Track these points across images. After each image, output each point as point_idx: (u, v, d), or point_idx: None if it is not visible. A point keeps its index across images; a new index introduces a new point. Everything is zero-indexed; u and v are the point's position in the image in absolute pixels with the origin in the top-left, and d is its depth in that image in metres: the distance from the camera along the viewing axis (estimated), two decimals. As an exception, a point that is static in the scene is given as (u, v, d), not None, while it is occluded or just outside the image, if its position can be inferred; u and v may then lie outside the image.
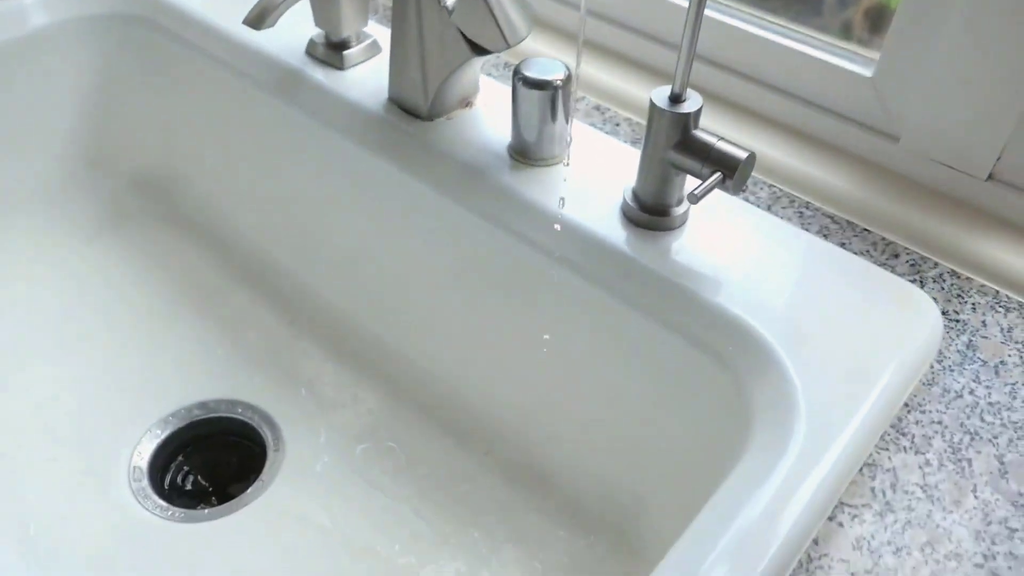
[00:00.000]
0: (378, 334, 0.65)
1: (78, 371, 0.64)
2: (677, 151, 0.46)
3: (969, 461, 0.41)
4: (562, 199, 0.51)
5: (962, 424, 0.43)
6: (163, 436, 0.61)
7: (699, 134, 0.46)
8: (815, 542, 0.38)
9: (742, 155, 0.45)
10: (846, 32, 0.57)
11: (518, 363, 0.57)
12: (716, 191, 0.52)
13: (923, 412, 0.43)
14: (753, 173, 0.57)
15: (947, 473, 0.40)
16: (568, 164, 0.52)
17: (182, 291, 0.70)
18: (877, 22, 0.56)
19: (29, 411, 0.62)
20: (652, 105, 0.46)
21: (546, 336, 0.55)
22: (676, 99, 0.46)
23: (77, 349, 0.66)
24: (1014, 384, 0.45)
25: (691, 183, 0.49)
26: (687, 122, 0.46)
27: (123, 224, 0.75)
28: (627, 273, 0.48)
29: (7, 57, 0.68)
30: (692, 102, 0.46)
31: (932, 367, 0.45)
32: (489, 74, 0.64)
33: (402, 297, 0.63)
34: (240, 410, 0.63)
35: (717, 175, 0.45)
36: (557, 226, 0.50)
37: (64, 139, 0.73)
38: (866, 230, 0.53)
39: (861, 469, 0.41)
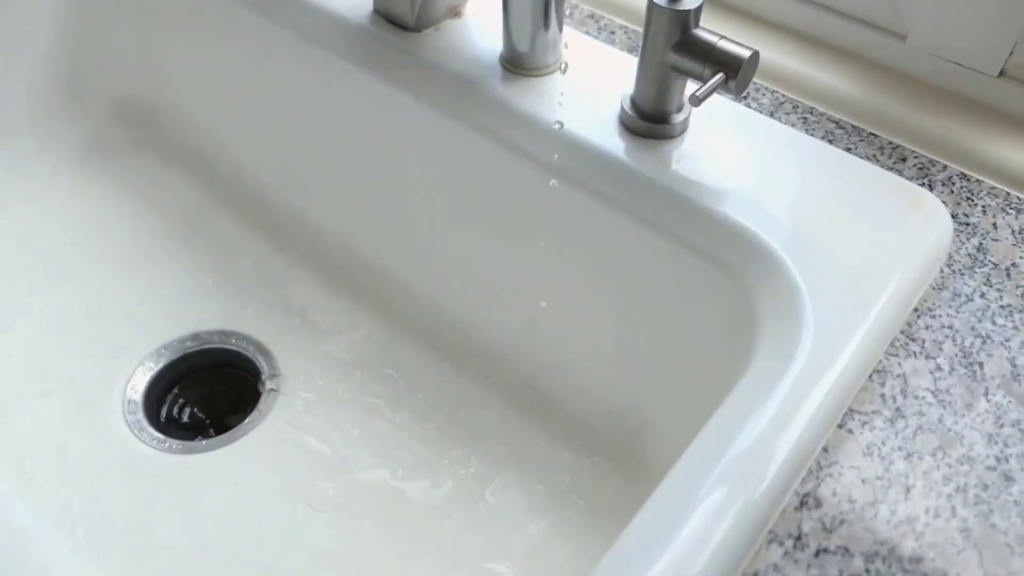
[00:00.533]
0: (373, 257, 0.64)
1: (67, 304, 0.63)
2: (677, 52, 0.44)
3: (980, 365, 0.40)
4: (559, 123, 0.48)
5: (973, 328, 0.42)
6: (156, 369, 0.60)
7: (699, 33, 0.44)
8: (824, 450, 0.37)
9: (745, 54, 0.43)
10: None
11: (517, 282, 0.56)
12: (717, 95, 0.50)
13: (933, 316, 0.42)
14: (755, 78, 0.55)
15: (958, 377, 0.39)
16: (565, 71, 0.50)
17: (170, 220, 0.68)
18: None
19: (19, 345, 0.60)
20: (650, 3, 0.44)
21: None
22: (675, -4, 0.44)
23: (65, 282, 0.64)
24: (1026, 286, 0.43)
25: (691, 89, 0.47)
26: (687, 20, 0.44)
27: (107, 152, 0.72)
28: (627, 184, 0.47)
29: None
30: (692, -1, 0.44)
31: (942, 271, 0.44)
32: (477, -16, 0.61)
33: (396, 218, 0.61)
34: (234, 340, 0.61)
35: (719, 76, 0.43)
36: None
37: (43, 65, 0.71)
38: (872, 134, 0.51)
39: (871, 375, 0.40)
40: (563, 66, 0.51)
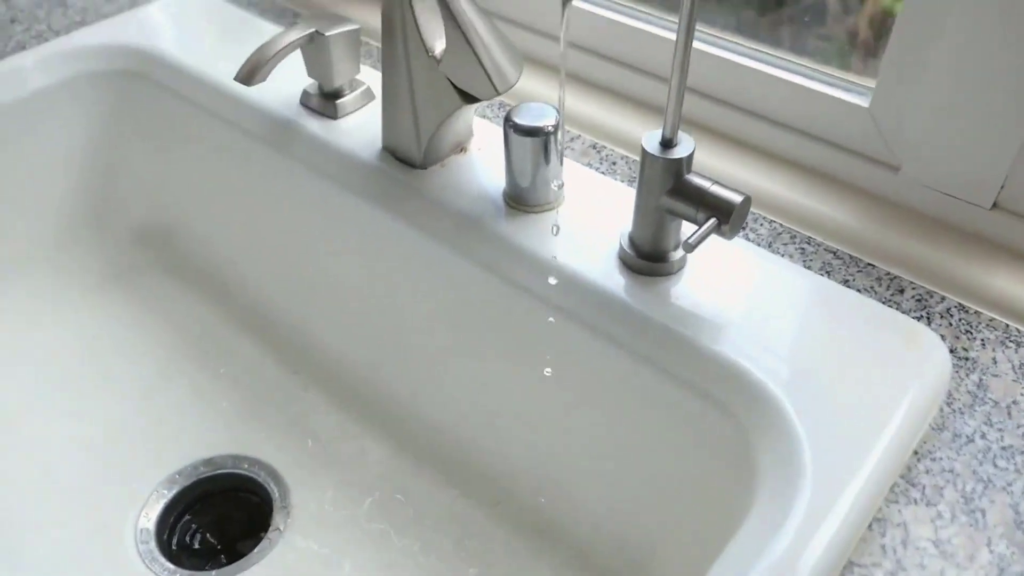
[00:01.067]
0: (383, 383, 0.65)
1: (84, 430, 0.64)
2: (671, 197, 0.46)
3: (983, 512, 0.40)
4: (554, 256, 0.50)
5: (974, 471, 0.41)
6: (170, 496, 0.61)
7: (692, 179, 0.46)
8: (825, 603, 0.37)
9: (737, 199, 0.44)
10: (850, 45, 0.56)
11: (523, 412, 0.57)
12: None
13: (933, 460, 0.42)
14: (753, 209, 0.56)
15: (960, 526, 0.39)
16: (558, 228, 0.51)
17: (186, 343, 0.70)
18: (878, 40, 0.55)
19: (35, 471, 0.62)
20: (643, 151, 0.45)
21: (547, 371, 0.54)
22: (667, 144, 0.45)
23: (83, 407, 0.66)
24: (1028, 425, 0.43)
25: (688, 227, 0.48)
26: (679, 168, 0.45)
27: (126, 277, 0.75)
28: (626, 321, 0.48)
29: (9, 118, 0.68)
30: (684, 146, 0.45)
31: (942, 410, 0.44)
32: (484, 115, 0.64)
33: (405, 345, 0.63)
34: (246, 465, 0.62)
35: (712, 221, 0.44)
36: (552, 279, 0.49)
37: (66, 194, 0.74)
38: (870, 264, 0.52)
39: (870, 525, 0.39)
40: (556, 217, 0.53)
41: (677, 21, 0.40)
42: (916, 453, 0.42)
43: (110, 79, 0.71)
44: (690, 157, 0.45)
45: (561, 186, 0.53)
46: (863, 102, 0.53)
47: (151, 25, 0.72)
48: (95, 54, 0.70)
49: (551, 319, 0.50)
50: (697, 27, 0.59)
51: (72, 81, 0.70)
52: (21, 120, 0.69)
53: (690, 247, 0.43)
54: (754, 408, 0.43)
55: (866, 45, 0.56)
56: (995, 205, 0.51)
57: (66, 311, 0.72)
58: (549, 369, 0.53)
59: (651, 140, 0.45)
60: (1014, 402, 0.44)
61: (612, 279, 0.49)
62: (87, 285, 0.74)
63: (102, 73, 0.70)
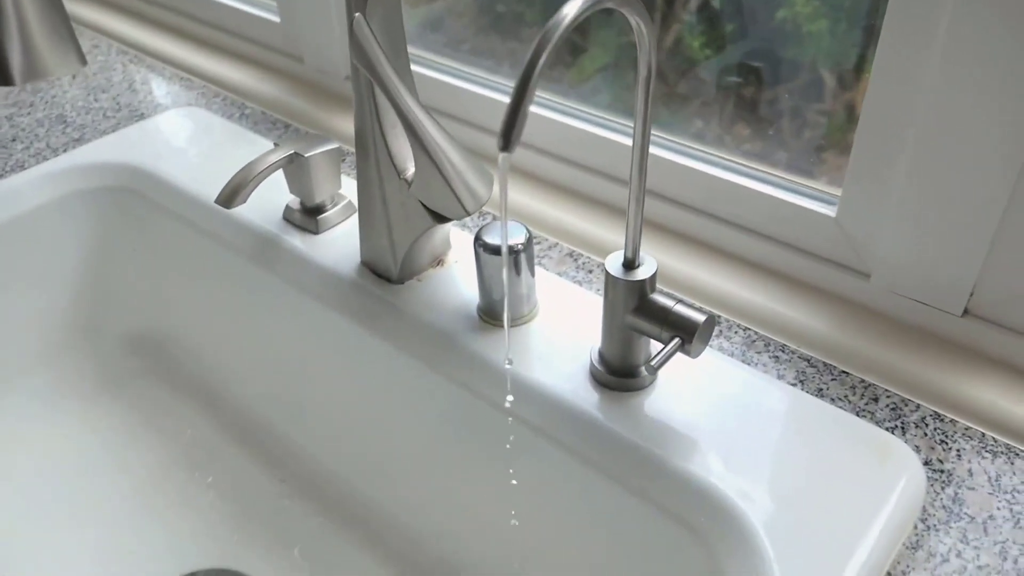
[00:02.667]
0: (365, 494, 0.65)
1: (72, 539, 0.64)
2: (635, 316, 0.46)
3: (958, 638, 0.39)
4: (509, 360, 0.50)
5: (949, 594, 0.41)
6: (152, 613, 0.60)
7: (656, 298, 0.46)
8: None
9: (700, 319, 0.45)
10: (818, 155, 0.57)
11: (497, 525, 0.56)
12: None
13: (907, 582, 0.41)
14: (727, 316, 0.56)
15: (934, 655, 0.38)
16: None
17: (173, 452, 0.71)
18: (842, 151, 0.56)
19: (21, 591, 0.62)
20: (607, 273, 0.46)
21: (514, 482, 0.54)
22: (630, 265, 0.46)
23: (72, 516, 0.66)
24: (1004, 542, 0.43)
25: (657, 344, 0.49)
26: (642, 288, 0.46)
27: (118, 385, 0.76)
28: (594, 438, 0.48)
29: (6, 236, 0.70)
30: (646, 267, 0.46)
31: (916, 527, 0.44)
32: (465, 225, 0.65)
33: (386, 457, 0.63)
34: (229, 580, 0.62)
35: (676, 341, 0.45)
36: (509, 399, 0.49)
37: (60, 305, 0.75)
38: (844, 372, 0.52)
39: (842, 654, 0.39)
40: (531, 319, 0.53)
41: (630, 153, 0.42)
42: (890, 574, 0.42)
43: (103, 195, 0.73)
44: (653, 277, 0.46)
45: (530, 307, 0.54)
46: (831, 211, 0.54)
47: (146, 141, 0.75)
48: (89, 172, 0.73)
49: (509, 419, 0.50)
50: (667, 136, 0.61)
51: (67, 198, 0.72)
52: (18, 237, 0.71)
53: (652, 369, 0.44)
54: (724, 529, 0.43)
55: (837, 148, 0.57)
56: (966, 312, 0.51)
57: (59, 419, 0.73)
58: (515, 481, 0.53)
59: (614, 262, 0.46)
60: (990, 517, 0.44)
61: (582, 394, 0.49)
62: (80, 393, 0.75)
63: (96, 190, 0.73)
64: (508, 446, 0.50)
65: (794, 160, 0.57)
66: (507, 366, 0.50)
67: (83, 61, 0.35)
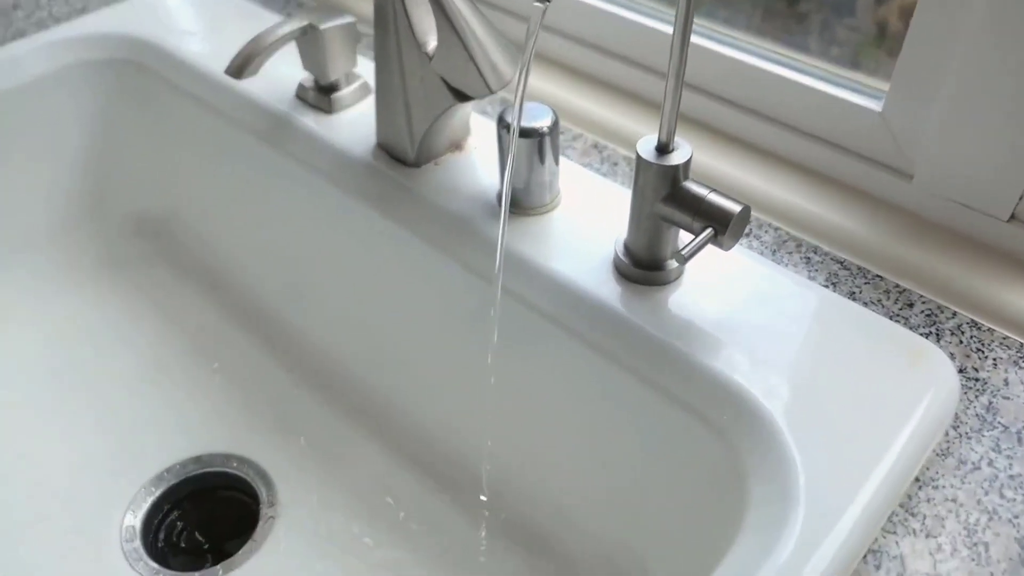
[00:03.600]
0: (374, 385, 0.64)
1: (73, 422, 0.64)
2: (666, 204, 0.44)
3: (986, 545, 0.38)
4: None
5: (979, 501, 0.39)
6: (157, 493, 0.60)
7: (689, 186, 0.43)
8: (813, 639, 0.35)
9: (735, 209, 0.42)
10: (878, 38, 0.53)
11: (514, 420, 0.55)
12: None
13: (935, 488, 0.40)
14: (758, 214, 0.54)
15: (960, 560, 0.37)
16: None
17: (179, 336, 0.69)
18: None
19: (22, 464, 0.61)
20: (638, 157, 0.43)
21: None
22: (663, 149, 0.43)
23: (73, 399, 0.65)
24: (1038, 453, 0.41)
25: (686, 235, 0.46)
26: (675, 174, 0.43)
27: (122, 266, 0.74)
28: (619, 333, 0.46)
29: (5, 106, 0.67)
30: (681, 152, 0.43)
31: (947, 434, 0.42)
32: (484, 111, 0.62)
33: (397, 347, 0.61)
34: (235, 464, 0.61)
35: (708, 231, 0.42)
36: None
37: (62, 182, 0.73)
38: (878, 276, 0.50)
39: (865, 556, 0.37)
40: (554, 208, 0.51)
41: (669, 37, 0.38)
42: (918, 480, 0.40)
43: (107, 67, 0.70)
44: (687, 164, 0.43)
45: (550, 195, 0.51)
46: (876, 106, 0.51)
47: (153, 13, 0.71)
48: (93, 42, 0.69)
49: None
50: (706, 24, 0.57)
51: (69, 69, 0.69)
52: (17, 108, 0.68)
53: (682, 259, 0.42)
54: (747, 429, 0.41)
55: (895, 37, 0.53)
56: (1013, 217, 0.48)
57: (61, 300, 0.71)
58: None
59: (646, 145, 0.43)
60: (1025, 427, 0.42)
61: (605, 287, 0.47)
62: (82, 274, 0.73)
63: (99, 61, 0.69)
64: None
65: (843, 55, 0.54)
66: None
67: None
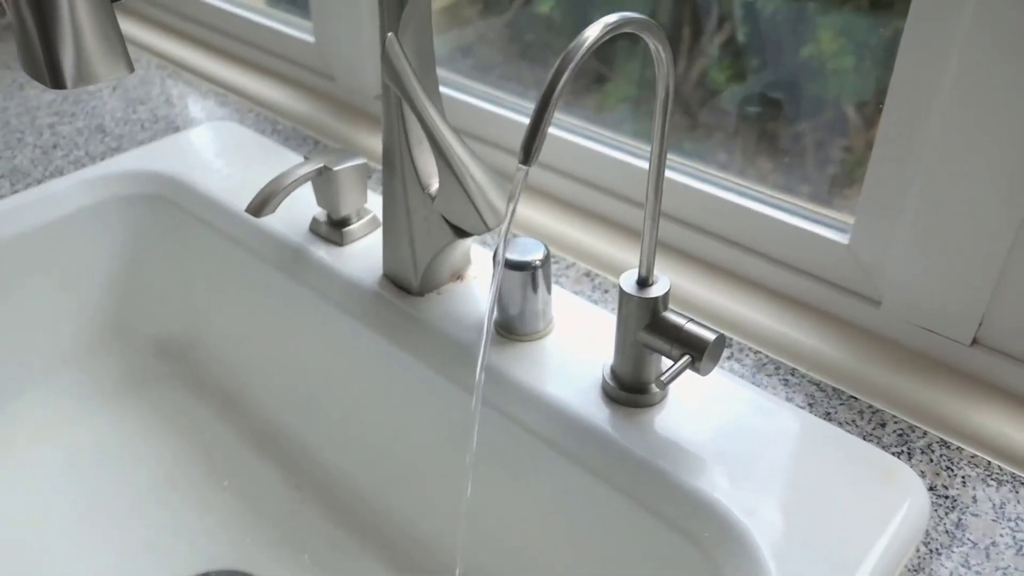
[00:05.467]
0: (379, 501, 0.66)
1: (86, 537, 0.66)
2: (647, 333, 0.47)
3: (955, 660, 0.39)
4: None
5: (949, 616, 0.41)
6: (166, 610, 0.62)
7: (668, 316, 0.47)
8: None
9: (710, 337, 0.46)
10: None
11: (507, 536, 0.57)
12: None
13: (907, 603, 0.42)
14: (739, 339, 0.57)
15: (931, 674, 0.39)
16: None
17: (195, 454, 0.72)
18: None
19: (40, 573, 0.63)
20: (621, 290, 0.47)
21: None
22: (644, 283, 0.47)
23: (91, 512, 0.68)
24: (1005, 568, 0.43)
25: (668, 361, 0.50)
26: (655, 305, 0.47)
27: (144, 387, 0.78)
28: (605, 451, 0.49)
29: (43, 237, 0.73)
30: (660, 285, 0.47)
31: (918, 550, 0.44)
32: (485, 242, 0.67)
33: (401, 465, 0.64)
34: (242, 581, 0.63)
35: (686, 358, 0.46)
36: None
37: (91, 307, 0.77)
38: (853, 397, 0.53)
39: (839, 670, 0.39)
40: (547, 335, 0.54)
41: (641, 166, 0.43)
42: (890, 596, 0.42)
43: (138, 202, 0.75)
44: (666, 295, 0.47)
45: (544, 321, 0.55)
46: (843, 239, 0.55)
47: (180, 152, 0.77)
48: (125, 179, 0.75)
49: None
50: (685, 161, 0.62)
51: (103, 203, 0.75)
52: (54, 239, 0.73)
53: (662, 384, 0.45)
54: (728, 544, 0.44)
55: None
56: (975, 341, 0.52)
57: (85, 416, 0.75)
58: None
59: (628, 279, 0.48)
60: (993, 543, 0.44)
61: (593, 409, 0.50)
62: (106, 394, 0.77)
63: (131, 196, 0.75)
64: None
65: (816, 193, 0.59)
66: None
67: (131, 67, 0.37)
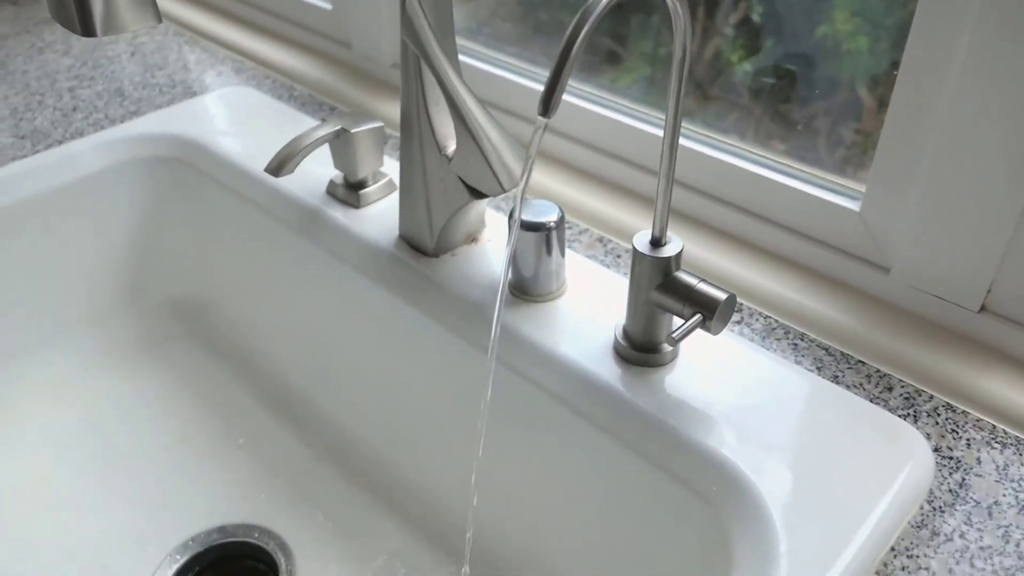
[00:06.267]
0: (392, 461, 0.67)
1: (105, 492, 0.67)
2: (659, 292, 0.48)
3: (956, 611, 0.40)
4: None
5: (950, 570, 0.42)
6: (182, 561, 0.63)
7: (680, 276, 0.48)
8: None
9: (721, 296, 0.47)
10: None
11: (518, 490, 0.58)
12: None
13: (910, 557, 0.43)
14: (749, 304, 0.58)
15: (931, 624, 0.40)
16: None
17: (210, 413, 0.74)
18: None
19: (54, 531, 0.65)
20: (634, 250, 0.48)
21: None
22: (657, 243, 0.48)
23: (107, 470, 0.69)
24: (1007, 527, 0.44)
25: (679, 321, 0.51)
26: (668, 265, 0.48)
27: (159, 347, 0.79)
28: (617, 410, 0.50)
29: (63, 198, 0.74)
30: (672, 246, 0.48)
31: (922, 508, 0.45)
32: (499, 207, 0.67)
33: (414, 425, 0.65)
34: (256, 535, 0.64)
35: (697, 316, 0.47)
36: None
37: (110, 268, 0.79)
38: (861, 362, 0.53)
39: (842, 619, 0.40)
40: (560, 296, 0.55)
41: (654, 134, 0.44)
42: (893, 549, 0.43)
43: (156, 164, 0.76)
44: (678, 256, 0.48)
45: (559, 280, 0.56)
46: (855, 206, 0.56)
47: (198, 116, 0.78)
48: (144, 142, 0.76)
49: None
50: (700, 131, 0.63)
51: (122, 165, 0.76)
52: (74, 200, 0.74)
53: (673, 340, 0.46)
54: (734, 499, 0.45)
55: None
56: (983, 308, 0.52)
57: (102, 375, 0.76)
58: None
59: (642, 239, 0.48)
60: (995, 502, 0.45)
61: (605, 368, 0.51)
62: (123, 353, 0.78)
63: (149, 159, 0.76)
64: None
65: (830, 167, 0.59)
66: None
67: (159, 18, 0.38)
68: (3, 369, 0.74)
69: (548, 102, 0.35)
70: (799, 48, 0.61)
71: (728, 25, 0.65)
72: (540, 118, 0.35)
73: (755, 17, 0.64)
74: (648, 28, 0.71)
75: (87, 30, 0.36)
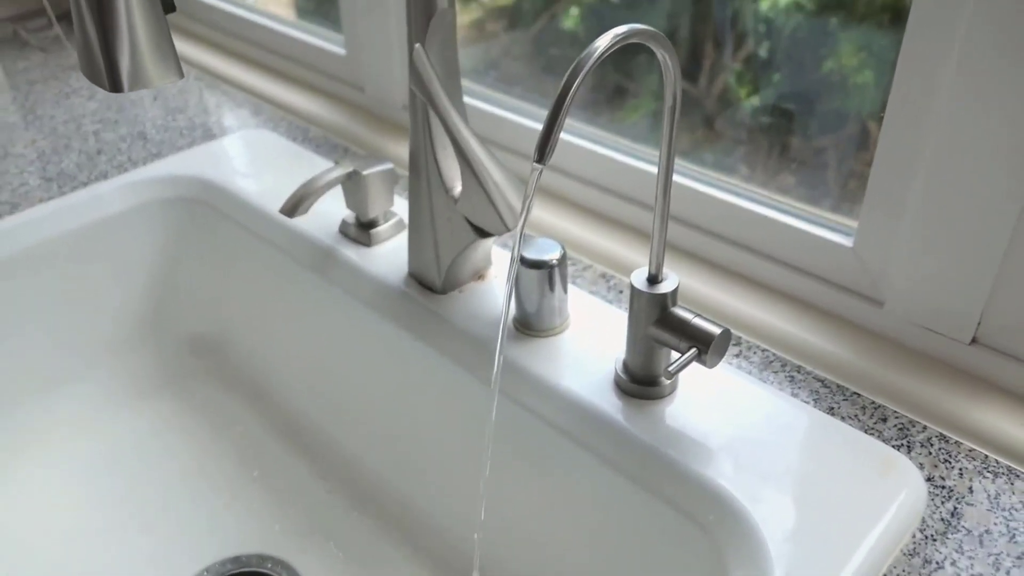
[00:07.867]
0: (401, 491, 0.69)
1: (124, 522, 0.69)
2: (657, 327, 0.50)
3: (946, 637, 0.41)
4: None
5: (941, 597, 0.43)
6: (198, 591, 0.65)
7: (676, 311, 0.50)
8: None
9: (716, 331, 0.48)
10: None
11: (523, 522, 0.60)
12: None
13: (901, 584, 0.44)
14: (746, 337, 0.60)
15: (921, 649, 0.41)
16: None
17: (226, 446, 0.76)
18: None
19: (74, 561, 0.67)
20: (632, 286, 0.50)
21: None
22: (654, 280, 0.50)
23: (126, 501, 0.71)
24: (998, 555, 0.45)
25: (678, 354, 0.52)
26: (664, 301, 0.50)
27: (178, 383, 0.81)
28: (617, 442, 0.51)
29: (87, 238, 0.77)
30: (668, 282, 0.50)
31: (914, 536, 0.46)
32: (505, 245, 0.70)
33: (423, 456, 0.67)
34: (269, 565, 0.66)
35: (693, 350, 0.48)
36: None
37: (131, 305, 0.81)
38: (856, 394, 0.55)
39: (834, 644, 0.41)
40: (563, 331, 0.57)
41: (656, 173, 0.46)
42: (885, 577, 0.44)
43: (177, 205, 0.79)
44: (675, 292, 0.50)
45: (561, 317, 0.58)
46: (848, 242, 0.57)
47: (217, 158, 0.81)
48: (165, 183, 0.79)
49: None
50: (694, 166, 0.65)
51: (144, 206, 0.79)
52: (97, 239, 0.77)
53: (669, 374, 0.47)
54: (731, 528, 0.46)
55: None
56: (974, 340, 0.54)
57: (121, 409, 0.79)
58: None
59: (639, 276, 0.50)
60: (987, 531, 0.46)
61: (606, 401, 0.53)
62: (142, 386, 0.81)
63: (170, 200, 0.79)
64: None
65: (836, 206, 0.61)
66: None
67: (181, 73, 0.40)
68: (30, 403, 0.76)
69: (543, 149, 0.37)
70: (805, 83, 0.63)
71: (736, 60, 0.67)
72: (536, 165, 0.38)
73: (762, 52, 0.66)
74: (655, 65, 0.73)
75: (115, 86, 0.39)
